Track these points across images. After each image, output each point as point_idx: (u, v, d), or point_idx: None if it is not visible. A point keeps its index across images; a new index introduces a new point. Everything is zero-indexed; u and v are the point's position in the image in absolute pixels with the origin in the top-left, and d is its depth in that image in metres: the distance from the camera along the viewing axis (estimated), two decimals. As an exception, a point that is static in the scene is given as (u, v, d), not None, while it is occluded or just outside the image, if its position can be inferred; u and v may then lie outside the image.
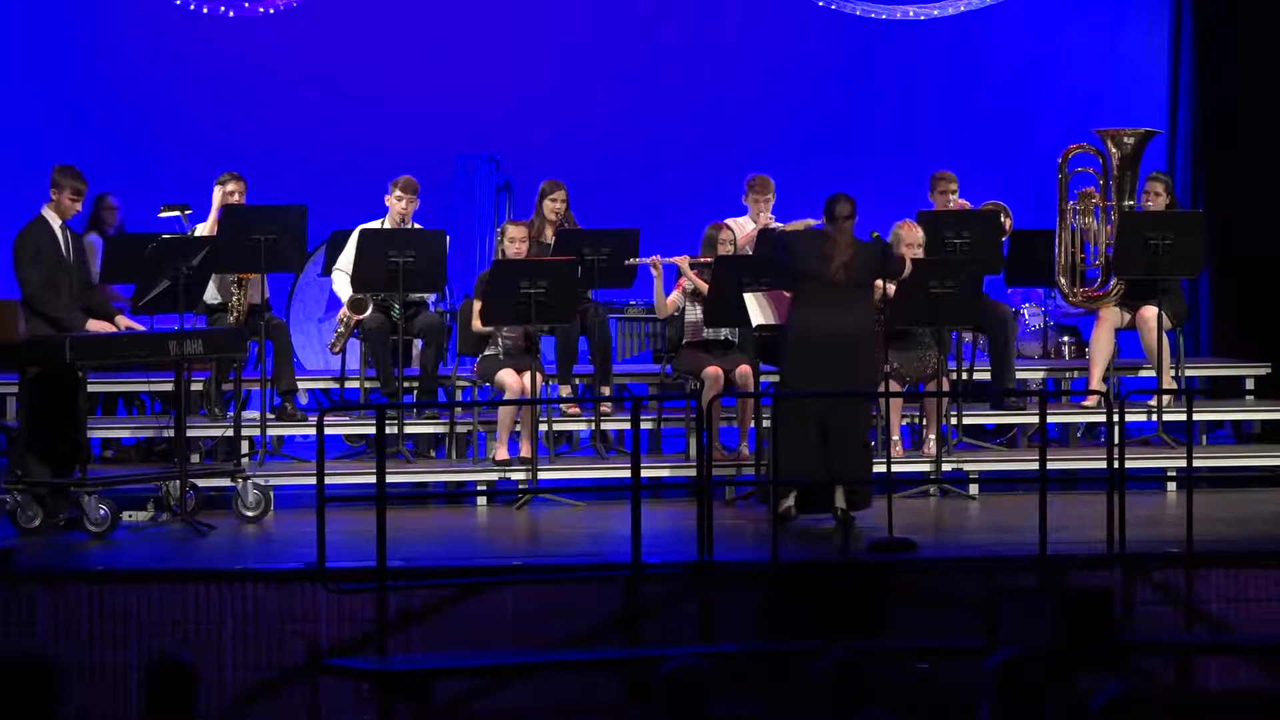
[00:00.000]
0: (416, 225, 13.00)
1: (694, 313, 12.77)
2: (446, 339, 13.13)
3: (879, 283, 12.14)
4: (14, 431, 11.55)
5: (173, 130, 15.35)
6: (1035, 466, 10.72)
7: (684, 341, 12.82)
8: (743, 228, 13.52)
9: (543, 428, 12.65)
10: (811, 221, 11.98)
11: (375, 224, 12.99)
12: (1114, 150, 13.27)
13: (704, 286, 12.58)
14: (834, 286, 11.24)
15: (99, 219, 13.73)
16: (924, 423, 12.67)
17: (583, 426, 13.21)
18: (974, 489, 12.51)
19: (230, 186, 12.94)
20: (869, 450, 11.42)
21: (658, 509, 11.80)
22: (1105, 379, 13.12)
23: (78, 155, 12.02)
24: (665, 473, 12.88)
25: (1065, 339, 14.43)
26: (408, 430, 12.78)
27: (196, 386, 12.69)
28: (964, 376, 13.21)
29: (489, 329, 12.52)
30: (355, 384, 13.05)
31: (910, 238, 12.55)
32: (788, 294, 11.66)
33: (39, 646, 9.44)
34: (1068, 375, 13.95)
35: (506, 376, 12.40)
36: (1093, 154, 13.28)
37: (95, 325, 11.44)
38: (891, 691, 8.68)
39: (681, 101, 15.97)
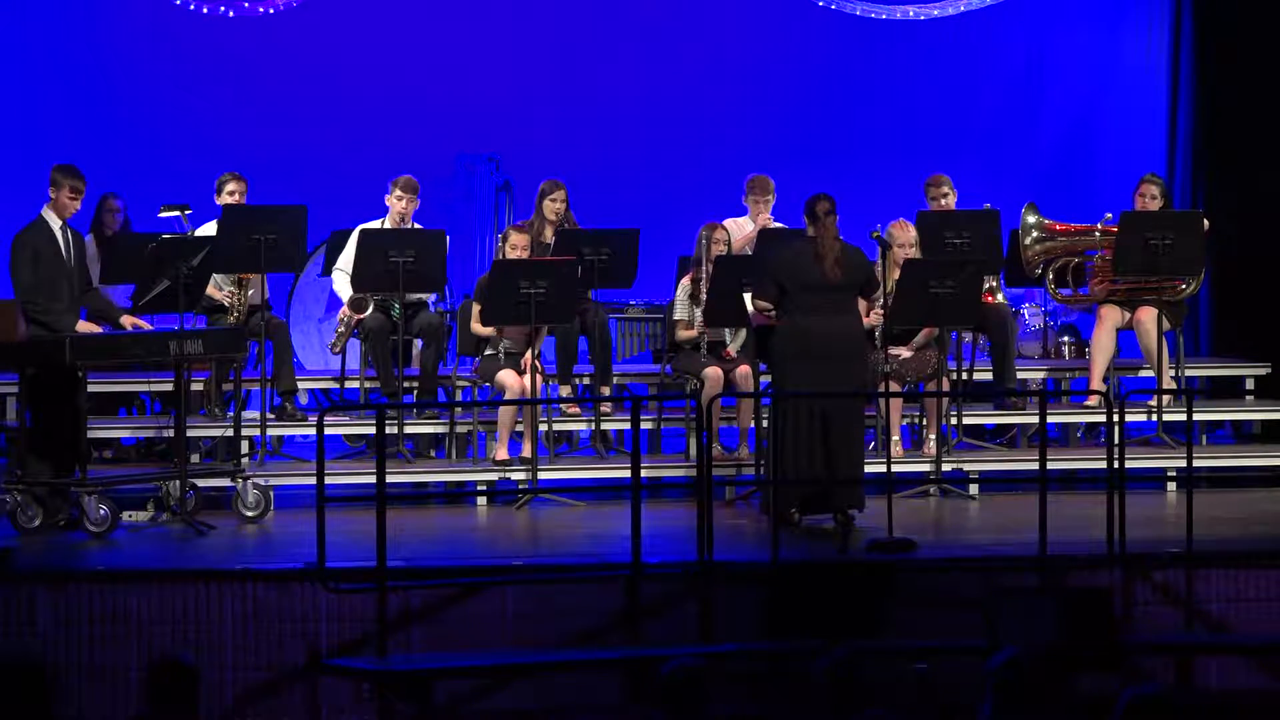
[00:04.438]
0: (416, 225, 12.99)
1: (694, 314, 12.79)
2: (446, 339, 13.13)
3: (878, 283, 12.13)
4: (14, 431, 11.55)
5: (173, 130, 15.35)
6: (1035, 466, 10.71)
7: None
8: (742, 228, 13.52)
9: (543, 428, 12.65)
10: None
11: (375, 224, 12.99)
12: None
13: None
14: (826, 289, 11.22)
15: (101, 220, 13.72)
16: (924, 423, 12.67)
17: (583, 426, 13.21)
18: (974, 489, 12.50)
19: (231, 187, 12.94)
20: (862, 451, 11.42)
21: (658, 509, 11.79)
22: (1105, 379, 13.12)
23: (78, 155, 12.01)
24: (665, 473, 12.89)
25: (1065, 339, 14.42)
26: (408, 430, 12.78)
27: (196, 386, 12.69)
28: (964, 376, 13.21)
29: (489, 331, 12.51)
30: (355, 384, 13.05)
31: (904, 237, 12.57)
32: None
33: (30, 647, 9.44)
34: (1068, 375, 13.95)
35: (506, 377, 12.39)
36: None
37: (83, 327, 11.39)
38: (891, 691, 8.69)
39: (681, 101, 15.96)
